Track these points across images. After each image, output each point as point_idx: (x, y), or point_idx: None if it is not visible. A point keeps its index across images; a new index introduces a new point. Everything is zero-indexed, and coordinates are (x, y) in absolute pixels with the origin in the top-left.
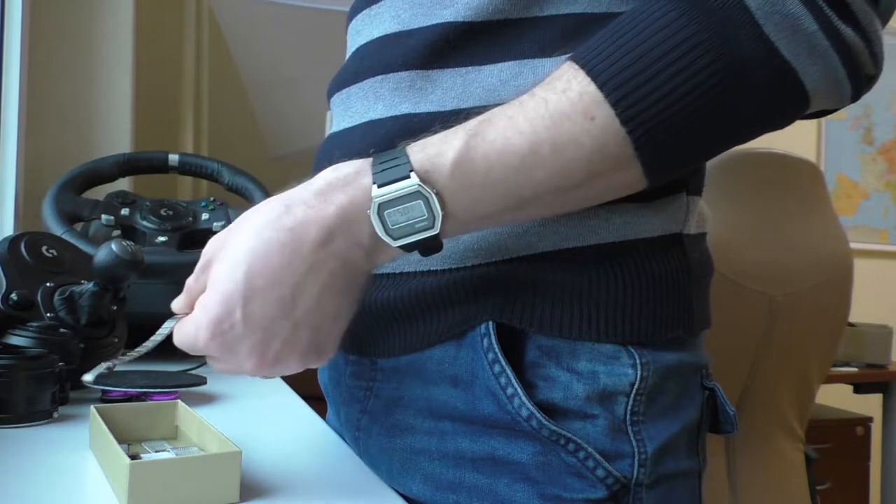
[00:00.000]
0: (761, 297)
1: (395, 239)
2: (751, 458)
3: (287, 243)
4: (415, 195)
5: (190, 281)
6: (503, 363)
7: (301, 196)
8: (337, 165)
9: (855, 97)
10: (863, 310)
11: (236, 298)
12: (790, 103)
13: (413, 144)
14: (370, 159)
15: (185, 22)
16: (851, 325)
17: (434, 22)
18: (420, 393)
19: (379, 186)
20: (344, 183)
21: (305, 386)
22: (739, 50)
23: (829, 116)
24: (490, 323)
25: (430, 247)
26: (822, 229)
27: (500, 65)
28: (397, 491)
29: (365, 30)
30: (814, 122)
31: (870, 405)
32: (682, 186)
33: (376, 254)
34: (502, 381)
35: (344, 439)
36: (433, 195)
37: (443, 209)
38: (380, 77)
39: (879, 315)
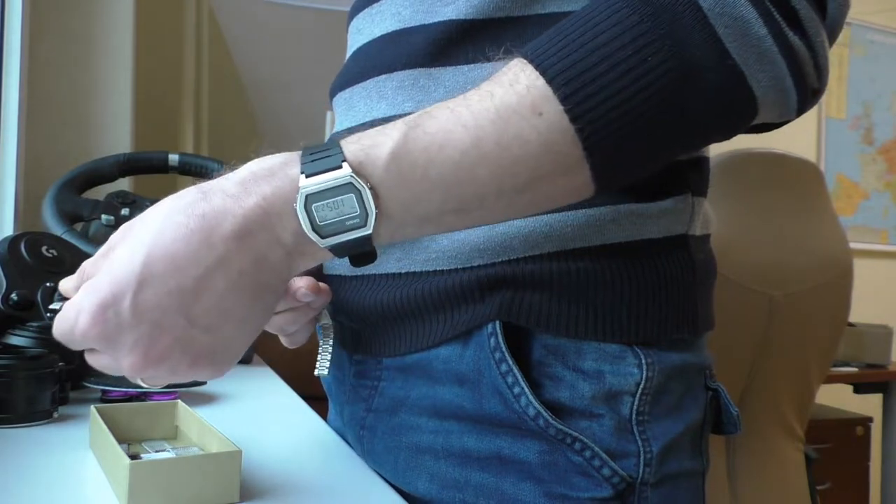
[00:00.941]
0: (761, 297)
1: (322, 237)
2: (751, 458)
3: (196, 231)
4: (346, 187)
5: (86, 264)
6: (510, 362)
7: (221, 185)
8: (264, 157)
9: (800, 109)
10: (863, 310)
11: (129, 282)
12: (739, 108)
13: (348, 136)
14: (300, 151)
15: (185, 22)
16: (851, 325)
17: (436, 20)
18: (426, 392)
19: (307, 177)
20: (269, 173)
21: (305, 386)
22: (691, 50)
23: (830, 116)
24: (497, 322)
25: (362, 253)
26: (822, 229)
27: (502, 62)
28: (402, 490)
29: (366, 28)
30: (814, 121)
31: (870, 405)
32: (688, 187)
33: (298, 256)
34: (509, 380)
35: (346, 439)
36: (366, 189)
37: (377, 206)
38: (383, 76)
39: (879, 315)
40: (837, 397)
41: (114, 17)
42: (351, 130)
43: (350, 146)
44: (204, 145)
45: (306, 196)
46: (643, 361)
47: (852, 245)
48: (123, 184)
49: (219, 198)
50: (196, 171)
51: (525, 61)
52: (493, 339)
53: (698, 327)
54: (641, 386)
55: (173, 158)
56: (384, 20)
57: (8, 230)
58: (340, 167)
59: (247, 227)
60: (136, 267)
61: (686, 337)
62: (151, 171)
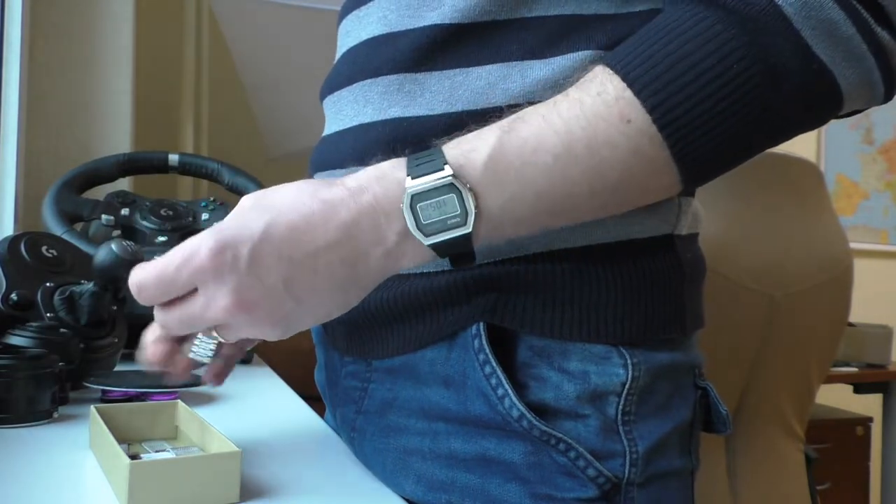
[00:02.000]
0: (761, 297)
1: (426, 235)
2: (751, 458)
3: (317, 212)
4: (448, 188)
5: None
6: (494, 364)
7: (345, 180)
8: (382, 162)
9: (887, 98)
10: (863, 310)
11: (253, 234)
12: (826, 105)
13: (448, 142)
14: (407, 157)
15: (185, 22)
16: (851, 325)
17: (421, 24)
18: (413, 394)
19: (413, 178)
20: (381, 175)
21: (305, 386)
22: (777, 57)
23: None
24: (481, 324)
25: (461, 253)
26: (822, 229)
27: (488, 67)
28: (391, 488)
29: (354, 31)
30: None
31: (870, 405)
32: None
33: (399, 256)
34: (493, 381)
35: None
36: (466, 189)
37: (476, 206)
38: (369, 80)
39: (879, 315)
40: (837, 397)
41: (114, 18)
42: (341, 135)
43: (450, 151)
44: (204, 145)
45: (412, 196)
46: (629, 361)
47: (852, 245)
48: (123, 184)
49: (340, 190)
50: (196, 171)
51: (611, 71)
52: (477, 341)
53: (686, 327)
54: (627, 386)
55: (173, 158)
56: (371, 23)
57: (8, 230)
58: (443, 169)
59: (357, 221)
60: (262, 224)
61: (673, 336)
62: (151, 171)
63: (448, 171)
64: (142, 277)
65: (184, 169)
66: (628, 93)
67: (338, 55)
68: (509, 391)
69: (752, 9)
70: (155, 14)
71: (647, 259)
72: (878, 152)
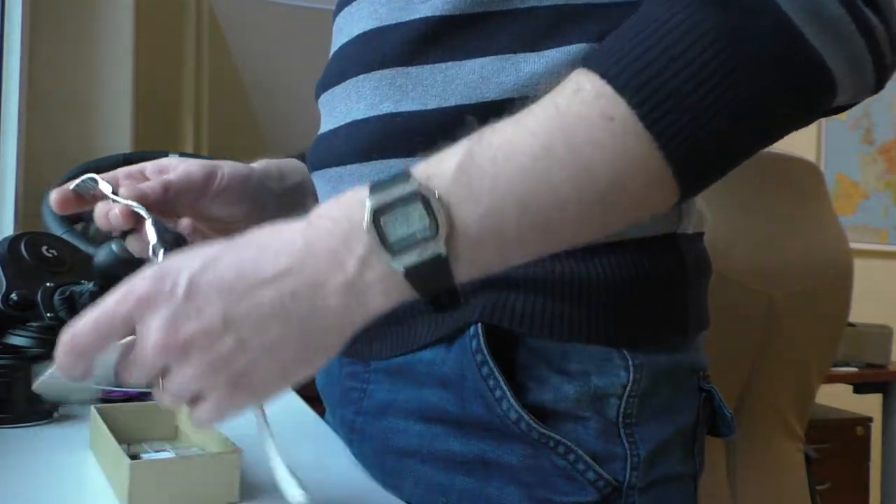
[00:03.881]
0: (761, 297)
1: (394, 254)
2: (751, 458)
3: (269, 244)
4: (413, 196)
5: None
6: (492, 365)
7: (311, 210)
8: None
9: (878, 86)
10: (863, 310)
11: (195, 263)
12: (820, 94)
13: (414, 165)
14: (363, 186)
15: (185, 22)
16: (851, 325)
17: (412, 17)
18: (412, 395)
19: (375, 194)
20: (339, 200)
21: (305, 386)
22: (762, 40)
23: (830, 116)
24: (479, 325)
25: (442, 286)
26: (822, 229)
27: (481, 60)
28: (390, 490)
29: (345, 27)
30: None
31: (870, 405)
32: None
33: (364, 288)
34: (491, 383)
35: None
36: (435, 197)
37: (447, 216)
38: (361, 76)
39: (879, 315)
40: (837, 397)
41: (114, 17)
42: (334, 132)
43: (416, 167)
44: (204, 145)
45: (374, 210)
46: (630, 363)
47: (852, 245)
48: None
49: (298, 222)
50: None
51: (588, 70)
52: (475, 342)
53: (688, 328)
54: (628, 388)
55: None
56: (362, 19)
57: (8, 230)
58: (407, 181)
59: (311, 247)
60: (205, 254)
61: (675, 338)
62: None
63: (413, 181)
64: (75, 327)
65: None
66: (608, 89)
67: (331, 53)
68: (507, 393)
69: None
70: (155, 14)
71: (649, 258)
72: (878, 152)
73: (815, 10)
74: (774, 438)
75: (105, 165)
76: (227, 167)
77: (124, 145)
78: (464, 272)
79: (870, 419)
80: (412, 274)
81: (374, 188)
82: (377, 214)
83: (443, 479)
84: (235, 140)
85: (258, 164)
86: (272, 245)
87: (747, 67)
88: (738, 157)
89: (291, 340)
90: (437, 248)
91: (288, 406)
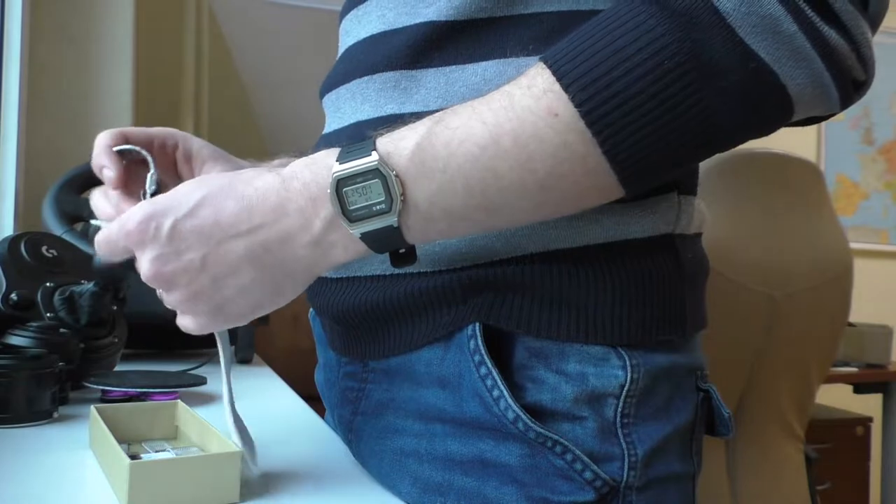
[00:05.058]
0: (762, 297)
1: (352, 222)
2: (751, 458)
3: (246, 197)
4: (373, 173)
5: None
6: (489, 365)
7: (281, 168)
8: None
9: (844, 104)
10: (863, 310)
11: (178, 208)
12: (772, 108)
13: (383, 133)
14: (334, 149)
15: (185, 22)
16: (851, 325)
17: (417, 21)
18: (410, 395)
19: (341, 164)
20: (310, 162)
21: (305, 386)
22: (710, 53)
23: (818, 123)
24: (477, 324)
25: (396, 249)
26: (822, 229)
27: (483, 63)
28: (387, 489)
29: (353, 30)
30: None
31: (870, 405)
32: (674, 186)
33: (328, 246)
34: (488, 382)
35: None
36: (392, 175)
37: (402, 193)
38: (366, 78)
39: (879, 315)
40: (837, 397)
41: (114, 18)
42: (338, 133)
43: (381, 139)
44: None
45: (337, 181)
46: (628, 363)
47: (852, 245)
48: None
49: (273, 177)
50: None
51: (543, 65)
52: (472, 342)
53: (686, 328)
54: (626, 388)
55: None
56: (370, 22)
57: (8, 230)
58: (370, 155)
59: (283, 205)
60: (190, 201)
61: (673, 338)
62: None
63: (374, 156)
64: (98, 236)
65: None
66: (557, 86)
67: (338, 54)
68: (505, 392)
69: (684, 4)
70: (155, 14)
71: (646, 259)
72: (878, 152)
73: (769, 25)
74: (774, 438)
75: None
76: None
77: None
78: (415, 238)
79: (870, 419)
80: (368, 238)
81: (341, 156)
82: (340, 184)
83: (441, 478)
84: (235, 140)
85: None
86: (249, 197)
87: (694, 79)
88: (682, 160)
89: (262, 283)
90: (390, 220)
91: (288, 406)
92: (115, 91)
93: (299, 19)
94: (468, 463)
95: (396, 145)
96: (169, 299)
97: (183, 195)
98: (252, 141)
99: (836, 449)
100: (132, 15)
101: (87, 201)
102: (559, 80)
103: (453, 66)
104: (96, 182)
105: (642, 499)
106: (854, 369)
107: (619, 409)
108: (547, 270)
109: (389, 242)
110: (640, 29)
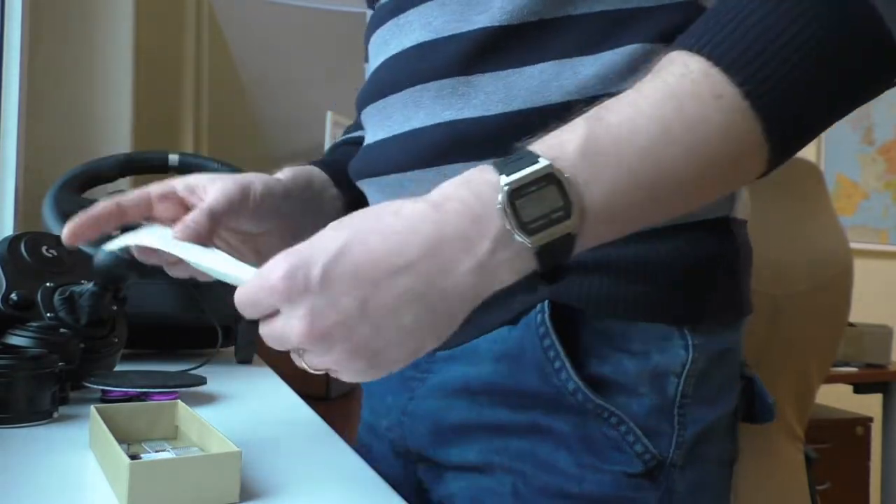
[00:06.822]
0: (762, 297)
1: (530, 235)
2: (751, 458)
3: (398, 231)
4: (546, 178)
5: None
6: (554, 338)
7: (431, 193)
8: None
9: None
10: (863, 310)
11: (326, 253)
12: (891, 66)
13: (530, 143)
14: (490, 162)
15: (185, 22)
16: (851, 325)
17: (470, 28)
18: (464, 371)
19: (507, 175)
20: (464, 181)
21: (305, 386)
22: (852, 24)
23: None
24: (545, 302)
25: (564, 256)
26: (822, 229)
27: (540, 66)
28: (441, 461)
29: (394, 40)
30: None
31: (870, 405)
32: None
33: (494, 268)
34: (551, 354)
35: (375, 433)
36: (565, 179)
37: (579, 199)
38: (419, 86)
39: (879, 315)
40: (837, 397)
41: (114, 18)
42: (389, 142)
43: (539, 146)
44: (204, 145)
45: (510, 192)
46: (690, 343)
47: (852, 245)
48: (123, 184)
49: (422, 205)
50: (196, 171)
51: (690, 53)
52: (539, 317)
53: (743, 310)
54: (687, 367)
55: (173, 158)
56: (413, 31)
57: (8, 230)
58: (537, 162)
59: (441, 232)
60: (337, 243)
61: (731, 320)
62: (151, 171)
63: (544, 161)
64: (237, 296)
65: (184, 169)
66: (714, 70)
67: (373, 64)
68: (566, 364)
69: None
70: (155, 14)
71: (708, 240)
72: (878, 152)
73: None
74: (774, 438)
75: (105, 165)
76: (258, 183)
77: (124, 145)
78: (583, 245)
79: (870, 419)
80: (543, 251)
81: (503, 168)
82: (513, 196)
83: (499, 442)
84: (235, 140)
85: (284, 175)
86: (400, 230)
87: (840, 47)
88: (824, 128)
89: (423, 323)
90: (569, 227)
91: (288, 406)
92: (115, 91)
93: (299, 19)
94: (522, 428)
95: (560, 150)
96: (322, 360)
97: (325, 240)
98: (252, 141)
99: (836, 449)
100: (132, 15)
101: (86, 201)
102: (716, 62)
103: (509, 70)
104: (96, 182)
105: (685, 476)
106: (854, 369)
107: (680, 388)
108: (613, 251)
109: (562, 253)
110: (786, 5)
